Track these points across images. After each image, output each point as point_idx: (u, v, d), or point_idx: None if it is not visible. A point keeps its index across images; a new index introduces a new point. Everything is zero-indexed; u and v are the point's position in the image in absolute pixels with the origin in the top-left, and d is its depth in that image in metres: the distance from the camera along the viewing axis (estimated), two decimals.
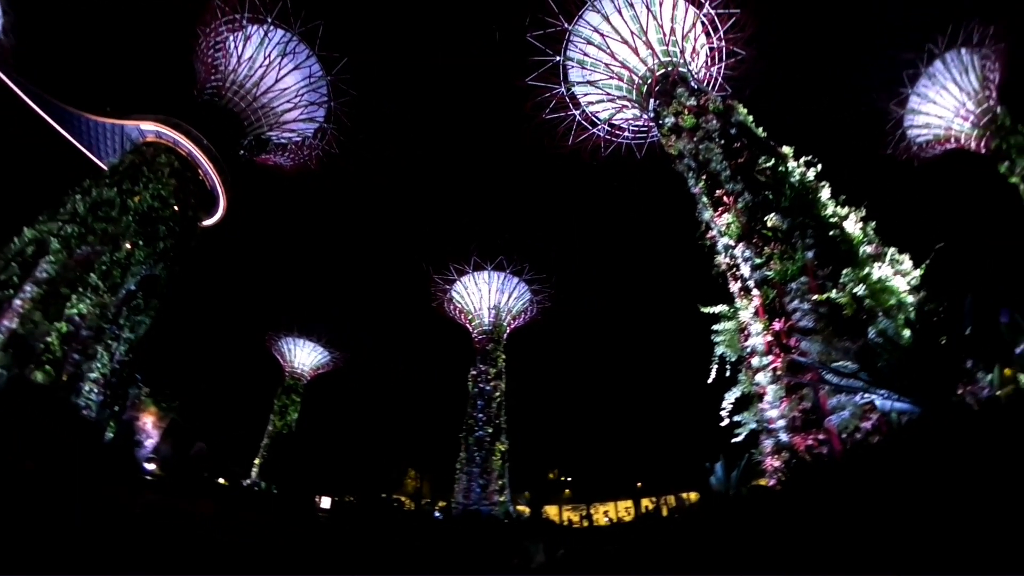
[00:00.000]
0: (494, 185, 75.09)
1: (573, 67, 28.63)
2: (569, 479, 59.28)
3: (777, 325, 16.14)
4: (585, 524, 40.46)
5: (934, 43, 34.65)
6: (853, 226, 15.57)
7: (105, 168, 29.06)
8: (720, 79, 27.53)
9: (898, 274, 13.92)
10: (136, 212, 25.77)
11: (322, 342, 56.61)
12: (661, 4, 25.20)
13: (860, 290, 13.49)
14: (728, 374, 18.01)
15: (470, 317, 46.68)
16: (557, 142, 31.39)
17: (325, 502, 41.17)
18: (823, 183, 16.92)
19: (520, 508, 44.68)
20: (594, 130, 30.67)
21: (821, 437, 13.33)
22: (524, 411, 47.80)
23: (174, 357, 42.50)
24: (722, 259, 19.46)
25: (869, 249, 14.94)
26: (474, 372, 44.41)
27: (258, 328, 56.84)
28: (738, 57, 26.85)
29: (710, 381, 18.30)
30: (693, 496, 44.33)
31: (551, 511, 53.69)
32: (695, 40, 25.93)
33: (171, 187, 27.65)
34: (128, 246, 25.14)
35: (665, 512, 34.25)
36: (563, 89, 29.34)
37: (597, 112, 29.83)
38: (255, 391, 57.35)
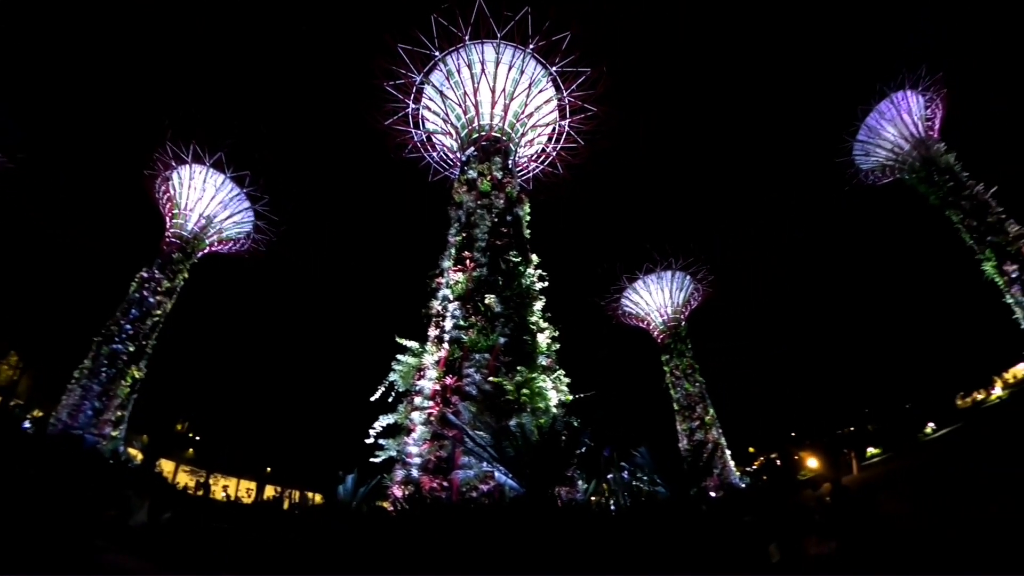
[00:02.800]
0: None
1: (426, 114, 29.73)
2: (197, 438, 51.07)
3: (449, 381, 18.38)
4: (200, 493, 35.02)
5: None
6: (544, 339, 19.47)
7: None
8: (566, 132, 30.52)
9: (556, 390, 18.12)
10: None
11: None
12: (497, 65, 26.72)
13: (524, 388, 17.14)
14: (391, 400, 19.63)
15: (174, 212, 38.40)
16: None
17: None
18: (542, 297, 20.76)
19: (132, 452, 36.55)
20: (447, 172, 31.65)
21: (445, 484, 15.62)
22: (177, 345, 40.22)
23: None
24: (436, 305, 21.47)
25: (545, 362, 18.85)
26: (144, 275, 36.12)
27: None
28: (588, 113, 29.65)
29: (372, 400, 19.61)
30: (318, 498, 42.82)
31: (167, 467, 45.83)
32: (533, 103, 27.98)
33: None
34: None
35: (287, 505, 32.63)
36: (417, 134, 30.71)
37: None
38: None
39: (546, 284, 21.28)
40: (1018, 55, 60.56)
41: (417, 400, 18.99)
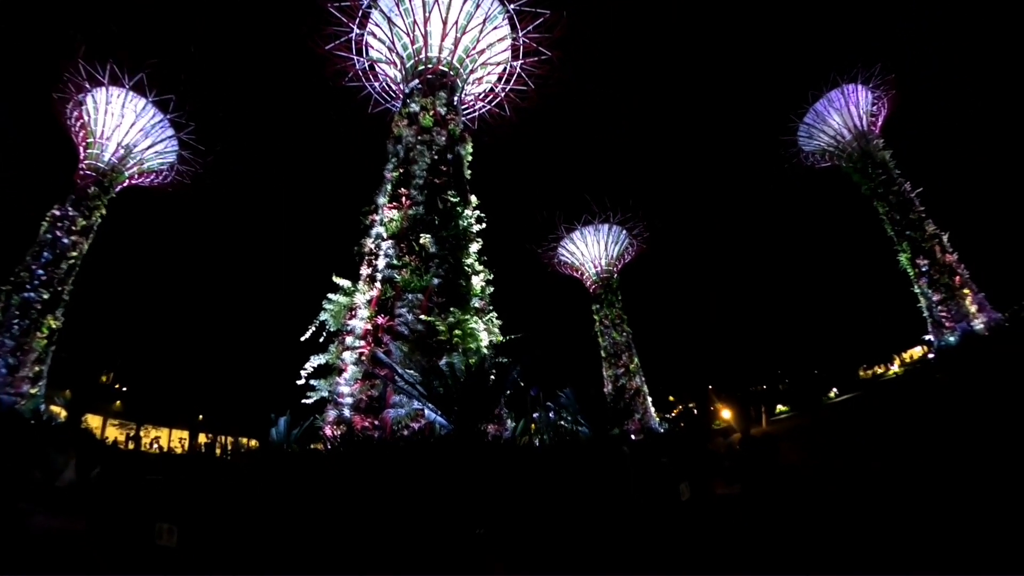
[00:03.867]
0: None
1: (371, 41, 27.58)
2: (124, 389, 47.36)
3: (380, 320, 18.19)
4: (131, 446, 32.75)
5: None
6: (478, 281, 19.37)
7: None
8: (517, 73, 29.25)
9: (488, 332, 18.18)
10: None
11: None
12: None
13: (456, 329, 17.15)
14: (322, 341, 19.16)
15: (89, 141, 34.13)
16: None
17: None
18: (478, 240, 20.48)
19: (55, 409, 33.07)
20: (388, 104, 29.68)
21: (377, 423, 15.63)
22: (96, 289, 36.48)
23: None
24: (369, 243, 20.81)
25: (479, 304, 18.84)
26: (57, 212, 32.23)
27: None
28: (542, 56, 28.32)
29: (303, 340, 19.06)
30: (253, 443, 40.93)
31: (94, 422, 42.02)
32: (486, 39, 26.56)
33: None
34: None
35: (218, 452, 31.25)
36: (359, 61, 28.59)
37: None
38: None
39: (483, 227, 20.98)
40: (970, 74, 64.67)
41: (348, 340, 18.63)
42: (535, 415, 14.93)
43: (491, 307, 19.49)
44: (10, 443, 17.27)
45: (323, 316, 19.54)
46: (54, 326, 31.06)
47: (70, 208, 32.91)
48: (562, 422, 16.23)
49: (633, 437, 32.56)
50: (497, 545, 8.16)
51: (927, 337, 43.76)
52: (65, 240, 32.17)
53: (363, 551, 7.51)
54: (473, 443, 11.73)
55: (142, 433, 48.85)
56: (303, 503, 8.81)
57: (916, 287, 42.71)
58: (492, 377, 13.97)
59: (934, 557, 6.22)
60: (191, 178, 40.14)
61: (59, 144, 37.11)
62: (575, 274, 52.03)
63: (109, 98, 34.51)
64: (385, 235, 20.22)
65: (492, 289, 19.95)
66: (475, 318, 17.91)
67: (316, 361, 18.52)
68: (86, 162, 34.33)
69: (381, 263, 19.70)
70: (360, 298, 19.40)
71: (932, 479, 9.54)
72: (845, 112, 44.72)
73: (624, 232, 50.61)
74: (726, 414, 59.39)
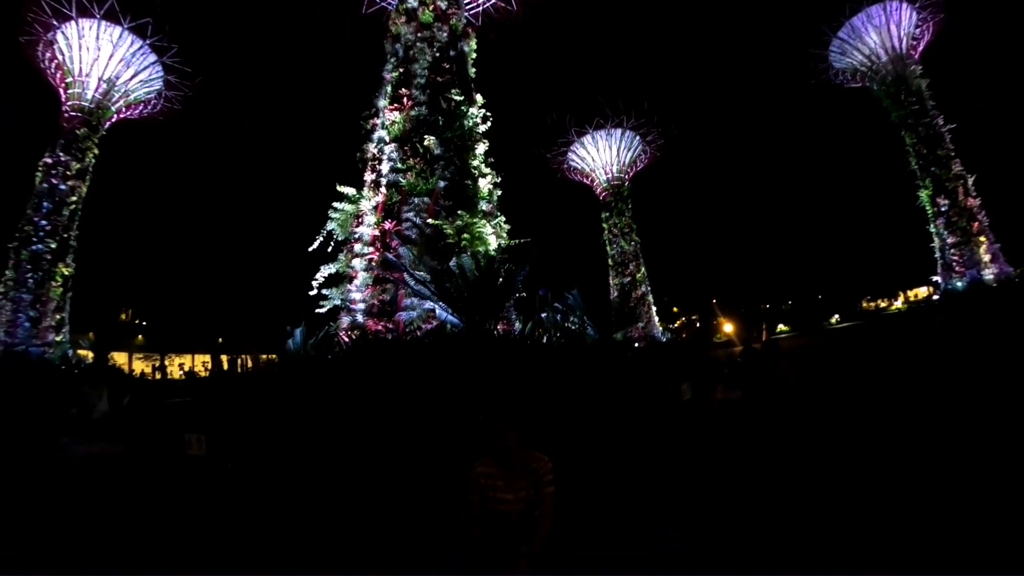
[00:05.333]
0: None
1: None
2: (144, 323, 48.48)
3: (388, 225, 18.18)
4: (158, 376, 34.30)
5: None
6: (485, 184, 19.04)
7: None
8: None
9: (496, 235, 18.15)
10: None
11: None
12: None
13: (464, 232, 17.07)
14: (330, 250, 19.22)
15: (68, 80, 32.35)
16: None
17: None
18: (485, 140, 19.85)
19: (82, 353, 33.97)
20: (384, 3, 26.74)
21: (390, 326, 16.07)
22: (103, 229, 36.28)
23: None
24: (371, 149, 20.33)
25: (486, 208, 18.66)
26: (49, 160, 31.45)
27: None
28: None
29: (311, 251, 19.16)
30: (273, 358, 42.56)
31: (120, 359, 43.48)
32: None
33: None
34: None
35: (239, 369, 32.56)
36: None
37: None
38: None
39: (490, 127, 20.31)
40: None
41: (357, 247, 18.74)
42: (543, 315, 15.24)
43: (499, 211, 19.29)
44: (46, 387, 18.20)
45: (330, 226, 19.44)
46: (66, 273, 31.49)
47: (61, 153, 32.06)
48: (568, 324, 16.59)
49: (636, 345, 33.35)
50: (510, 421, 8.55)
51: (935, 278, 43.46)
52: (62, 186, 31.73)
53: (379, 437, 7.96)
54: (484, 337, 12.09)
55: (167, 362, 50.86)
56: (321, 401, 9.22)
57: (932, 226, 41.82)
58: (501, 276, 14.12)
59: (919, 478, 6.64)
60: (182, 103, 38.41)
61: (40, 91, 35.12)
62: (585, 180, 50.94)
63: (81, 31, 32.55)
64: (387, 139, 19.71)
65: (500, 192, 19.65)
66: (483, 221, 17.84)
67: (326, 271, 18.68)
68: (69, 103, 32.89)
69: (385, 168, 19.38)
70: (366, 204, 19.26)
71: (924, 411, 9.80)
72: (884, 31, 41.53)
73: (637, 138, 48.89)
74: (728, 328, 60.84)
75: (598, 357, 13.63)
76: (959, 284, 38.93)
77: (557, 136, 48.82)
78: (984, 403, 8.84)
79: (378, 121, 20.35)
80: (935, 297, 46.88)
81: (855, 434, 9.28)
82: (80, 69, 32.72)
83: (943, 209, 40.20)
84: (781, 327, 62.68)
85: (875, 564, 4.25)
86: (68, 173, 31.89)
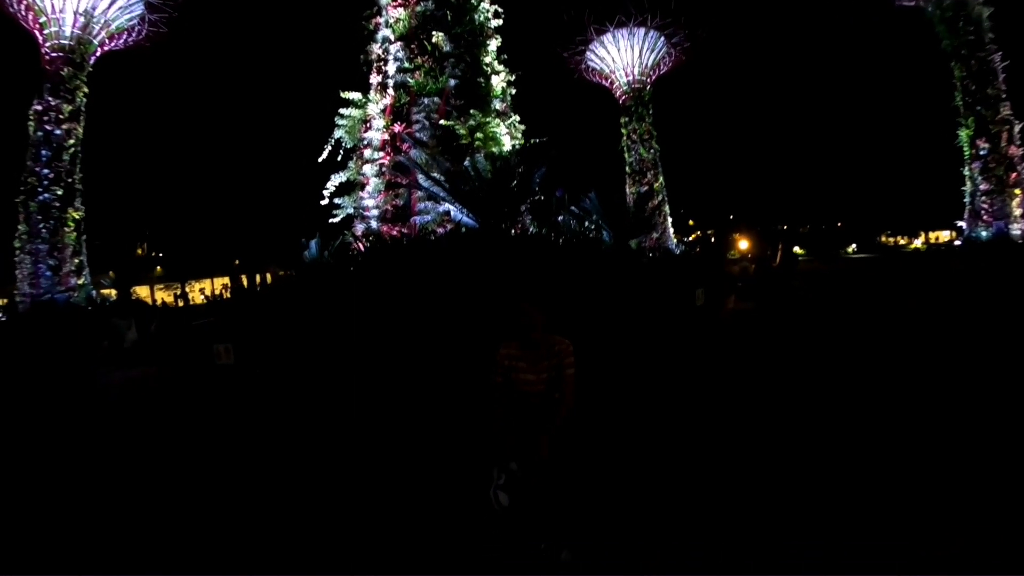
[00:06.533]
0: None
1: None
2: (160, 255, 48.74)
3: (398, 128, 17.57)
4: (181, 304, 35.51)
5: None
6: (498, 82, 18.15)
7: None
8: None
9: (510, 136, 17.49)
10: None
11: None
12: None
13: (478, 132, 16.45)
14: (340, 159, 18.73)
15: (42, 20, 30.17)
16: None
17: None
18: (497, 36, 18.68)
19: (105, 292, 34.67)
20: None
21: (405, 231, 15.94)
22: (107, 166, 35.25)
23: None
24: (376, 49, 19.19)
25: (500, 107, 17.91)
26: (38, 107, 29.86)
27: None
28: None
29: (321, 160, 18.68)
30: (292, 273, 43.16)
31: (142, 292, 44.39)
32: None
33: None
34: None
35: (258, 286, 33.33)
36: None
37: None
38: None
39: (502, 22, 18.99)
40: None
41: (367, 153, 18.20)
42: (559, 218, 14.99)
43: (512, 111, 18.47)
44: (78, 326, 18.74)
45: (337, 133, 18.83)
46: (77, 217, 31.00)
47: (50, 98, 30.42)
48: (583, 229, 16.36)
49: (651, 255, 33.10)
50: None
51: (959, 223, 41.14)
52: (57, 131, 30.44)
53: (398, 339, 8.10)
54: (500, 235, 12.00)
55: (188, 289, 51.55)
56: (339, 305, 9.31)
57: (967, 169, 38.85)
58: (517, 180, 13.75)
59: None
60: (168, 24, 35.66)
61: (13, 36, 32.48)
62: (604, 83, 48.12)
63: None
64: (392, 37, 18.56)
65: (514, 91, 18.76)
66: (497, 120, 17.17)
67: (337, 179, 18.31)
68: (48, 44, 30.70)
69: (391, 68, 18.38)
70: (373, 108, 18.50)
71: (934, 344, 9.56)
72: None
73: (662, 39, 45.24)
74: (743, 245, 59.85)
75: (615, 260, 13.54)
76: (984, 234, 36.92)
77: (575, 34, 45.31)
78: (992, 352, 8.63)
79: (381, 19, 19.08)
80: (957, 242, 45.05)
81: (863, 354, 9.20)
82: (53, 6, 30.48)
83: (982, 153, 37.12)
84: (797, 250, 61.67)
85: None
86: (61, 117, 30.62)
